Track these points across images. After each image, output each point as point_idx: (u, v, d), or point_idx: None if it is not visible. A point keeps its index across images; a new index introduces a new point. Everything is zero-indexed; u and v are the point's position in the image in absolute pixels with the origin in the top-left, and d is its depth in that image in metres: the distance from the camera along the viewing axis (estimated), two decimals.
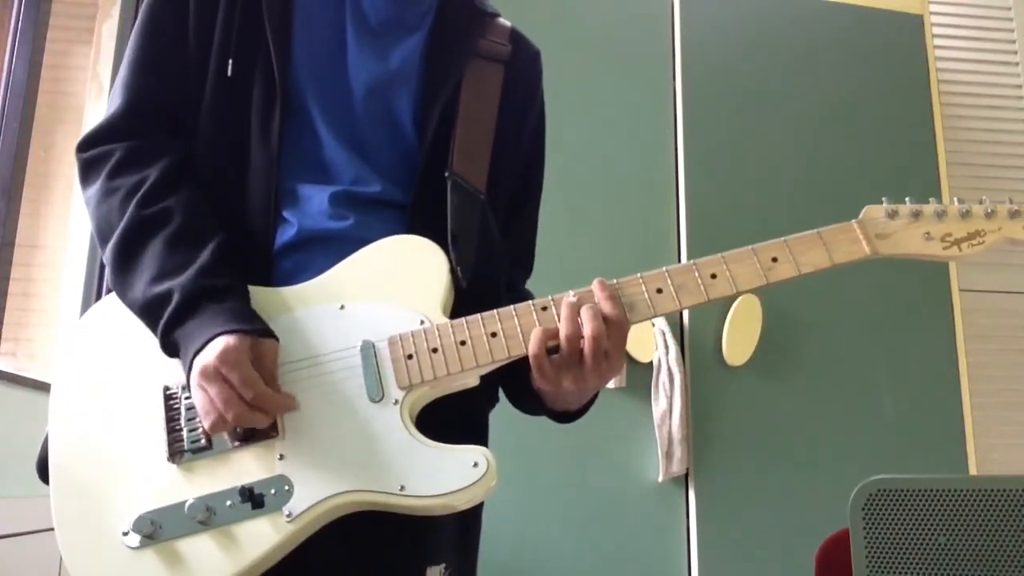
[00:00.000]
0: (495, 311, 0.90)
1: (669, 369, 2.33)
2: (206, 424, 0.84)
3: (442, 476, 0.82)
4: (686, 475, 2.32)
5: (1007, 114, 2.99)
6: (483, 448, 0.85)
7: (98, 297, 1.05)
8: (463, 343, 0.88)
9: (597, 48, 2.57)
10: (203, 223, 0.93)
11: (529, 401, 0.99)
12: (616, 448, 2.32)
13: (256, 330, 0.86)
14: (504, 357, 0.89)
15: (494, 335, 0.88)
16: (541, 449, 2.27)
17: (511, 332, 0.89)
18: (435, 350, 0.88)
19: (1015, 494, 1.08)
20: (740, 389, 2.40)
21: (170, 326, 0.87)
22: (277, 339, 0.88)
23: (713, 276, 0.91)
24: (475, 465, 0.83)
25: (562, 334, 0.88)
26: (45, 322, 2.37)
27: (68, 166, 2.44)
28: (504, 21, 1.14)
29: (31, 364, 2.30)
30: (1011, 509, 1.08)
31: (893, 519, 1.10)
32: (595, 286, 0.90)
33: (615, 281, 0.91)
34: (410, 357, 0.88)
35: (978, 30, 3.02)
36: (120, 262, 0.91)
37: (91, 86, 2.47)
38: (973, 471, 2.46)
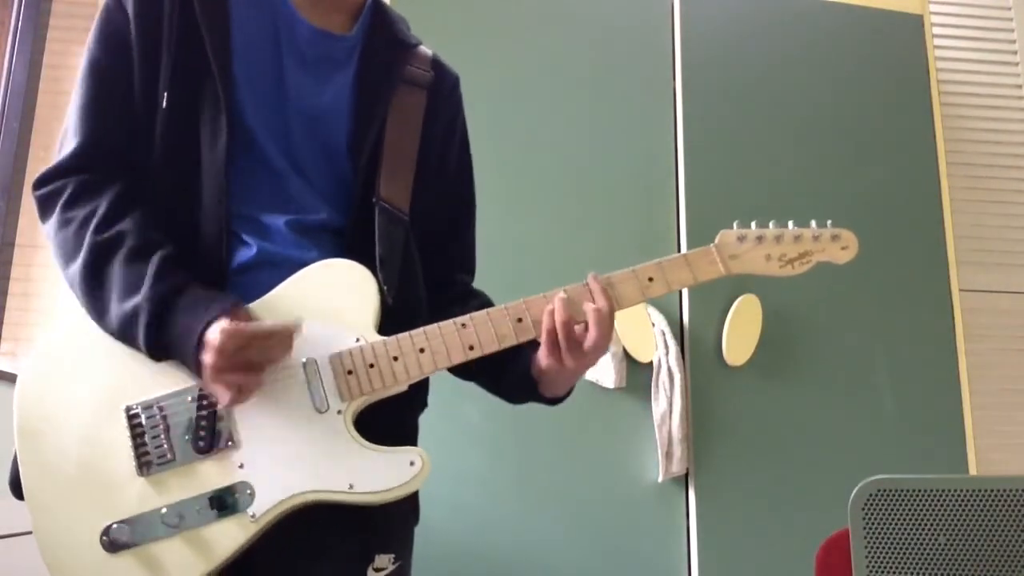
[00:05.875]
0: (423, 329, 1.01)
1: (669, 369, 2.33)
2: (229, 403, 0.93)
3: (385, 474, 0.95)
4: (686, 475, 2.32)
5: (1007, 114, 2.99)
6: (418, 448, 0.97)
7: None
8: (396, 359, 0.99)
9: (597, 48, 2.57)
10: (152, 238, 0.98)
11: (518, 390, 1.10)
12: (616, 448, 2.31)
13: (225, 305, 0.93)
14: (432, 370, 1.01)
15: (422, 351, 1.00)
16: (541, 449, 2.27)
17: (437, 348, 1.00)
18: (371, 366, 0.98)
19: (1015, 494, 1.08)
20: (740, 389, 2.40)
21: (151, 336, 0.92)
22: (239, 301, 0.95)
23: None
24: (412, 464, 0.96)
25: (558, 321, 1.01)
26: (45, 322, 2.37)
27: None
28: (425, 49, 1.20)
29: None
30: (1011, 509, 1.08)
31: (893, 519, 1.10)
32: (590, 281, 1.04)
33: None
34: (350, 372, 0.98)
35: (978, 30, 3.02)
36: (87, 288, 0.96)
37: None
38: (973, 471, 2.46)
